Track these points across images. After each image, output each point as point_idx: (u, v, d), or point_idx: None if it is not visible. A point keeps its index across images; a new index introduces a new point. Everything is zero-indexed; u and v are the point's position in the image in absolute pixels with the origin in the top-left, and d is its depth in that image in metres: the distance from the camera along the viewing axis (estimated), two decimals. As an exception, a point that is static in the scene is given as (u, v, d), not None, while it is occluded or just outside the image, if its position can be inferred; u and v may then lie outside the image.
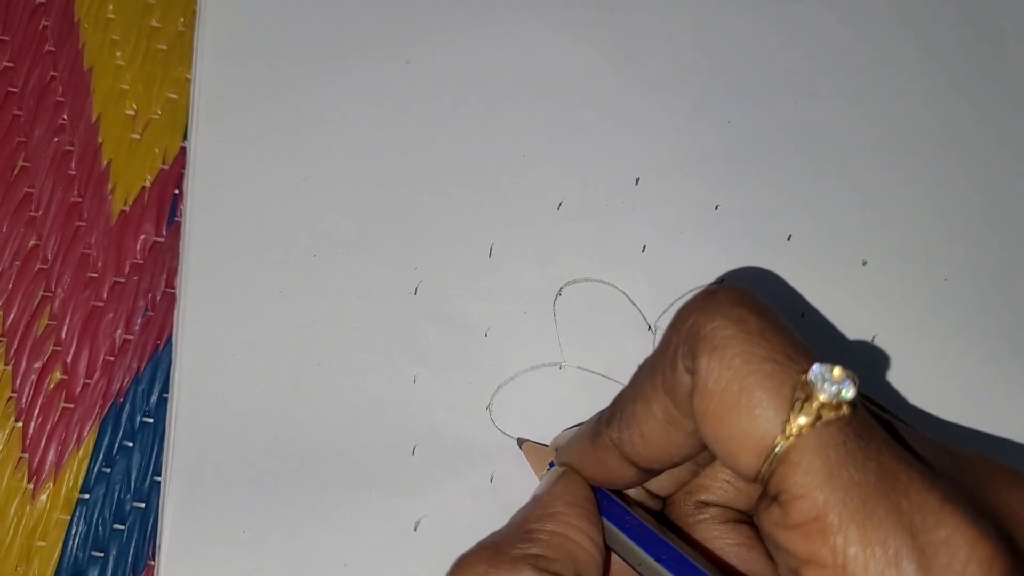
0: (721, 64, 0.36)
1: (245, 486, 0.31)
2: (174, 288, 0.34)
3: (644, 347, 0.33)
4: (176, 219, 0.35)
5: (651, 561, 0.25)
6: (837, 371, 0.21)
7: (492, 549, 0.25)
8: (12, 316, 0.34)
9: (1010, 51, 0.38)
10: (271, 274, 0.33)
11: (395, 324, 0.33)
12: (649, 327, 0.33)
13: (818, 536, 0.20)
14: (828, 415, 0.20)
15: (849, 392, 0.21)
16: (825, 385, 0.21)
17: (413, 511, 0.31)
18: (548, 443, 0.32)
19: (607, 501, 0.27)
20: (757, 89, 0.36)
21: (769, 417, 0.21)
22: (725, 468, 0.27)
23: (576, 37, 0.36)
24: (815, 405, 0.20)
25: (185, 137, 0.35)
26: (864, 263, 0.35)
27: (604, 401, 0.32)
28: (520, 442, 0.32)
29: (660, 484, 0.28)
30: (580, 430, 0.28)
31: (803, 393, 0.21)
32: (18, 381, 0.33)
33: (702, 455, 0.26)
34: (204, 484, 0.31)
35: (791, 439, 0.21)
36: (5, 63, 0.36)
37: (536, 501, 0.27)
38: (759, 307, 0.23)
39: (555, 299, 0.33)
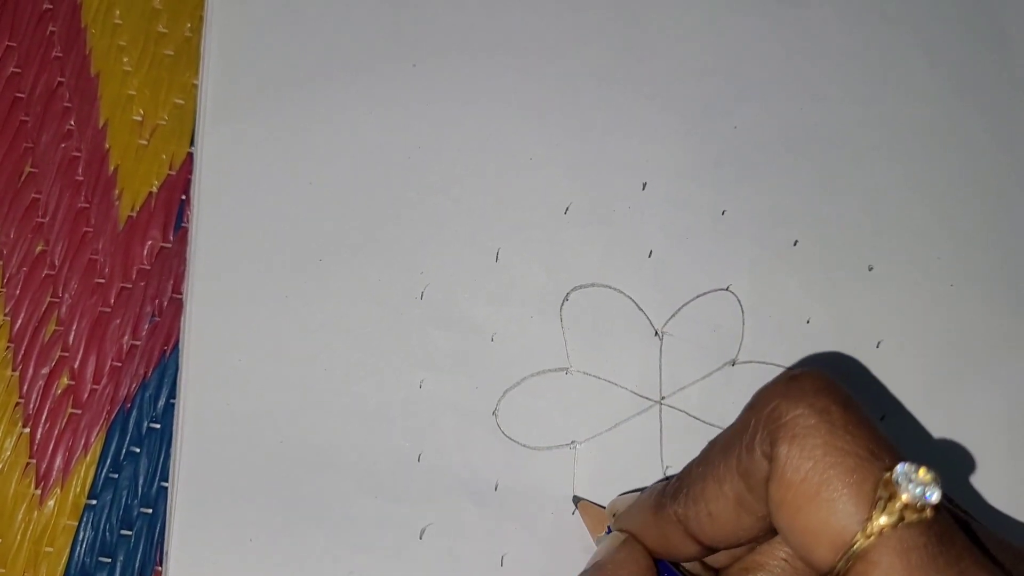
0: (728, 68, 0.36)
1: (252, 492, 0.31)
2: (181, 294, 0.34)
3: (651, 352, 0.33)
4: (183, 225, 0.35)
5: None
6: (923, 472, 0.20)
7: None
8: (19, 322, 0.34)
9: (1018, 56, 0.38)
10: (277, 279, 0.33)
11: (401, 328, 0.33)
12: (656, 332, 0.33)
13: None
14: (911, 516, 0.20)
15: (934, 495, 0.20)
16: (910, 486, 0.20)
17: (418, 519, 0.31)
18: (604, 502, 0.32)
19: (665, 571, 0.27)
20: (764, 94, 0.36)
21: (849, 512, 0.21)
22: (782, 547, 0.27)
23: (584, 40, 0.36)
24: (898, 505, 0.20)
25: (192, 143, 0.35)
26: (870, 268, 0.35)
27: (610, 408, 0.33)
28: (576, 500, 0.32)
29: (715, 558, 0.28)
30: (641, 498, 0.28)
31: (886, 492, 0.20)
32: (25, 387, 0.33)
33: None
34: (211, 490, 0.31)
35: (872, 538, 0.20)
36: (12, 69, 0.36)
37: (600, 570, 0.27)
38: (843, 398, 0.22)
39: (562, 304, 0.33)
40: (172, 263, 0.35)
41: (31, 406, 0.33)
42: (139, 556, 0.32)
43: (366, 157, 0.34)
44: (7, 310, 0.34)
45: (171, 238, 0.35)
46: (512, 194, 0.34)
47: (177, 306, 0.34)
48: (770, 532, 0.24)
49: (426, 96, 0.35)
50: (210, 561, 0.31)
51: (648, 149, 0.35)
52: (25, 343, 0.33)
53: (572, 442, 0.32)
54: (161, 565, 0.32)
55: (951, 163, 0.36)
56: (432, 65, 0.35)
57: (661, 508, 0.26)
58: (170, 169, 0.36)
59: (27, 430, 0.33)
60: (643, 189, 0.35)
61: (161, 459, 0.33)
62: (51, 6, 0.36)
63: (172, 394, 0.33)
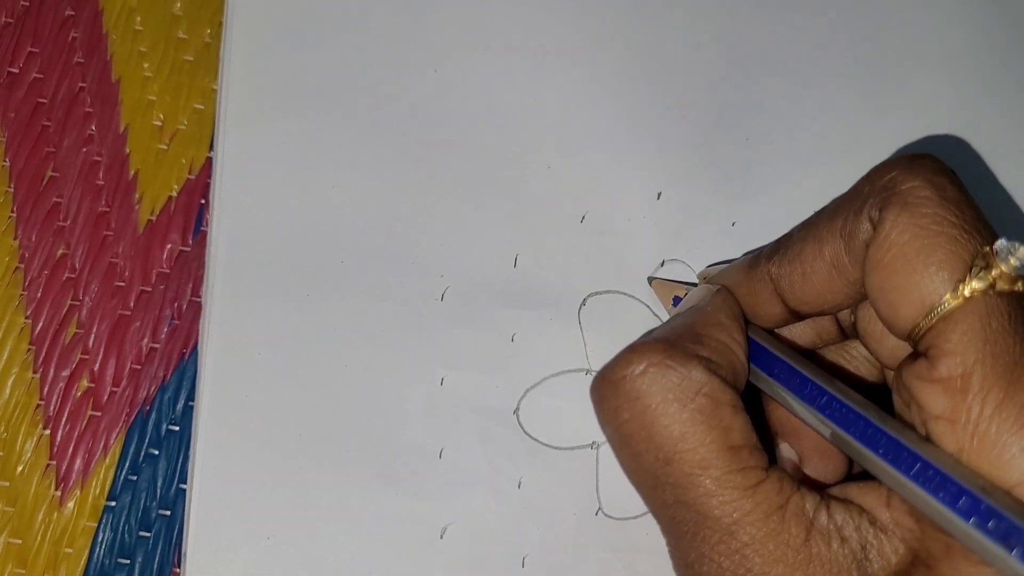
0: (742, 77, 0.37)
1: (270, 493, 0.31)
2: (200, 297, 0.34)
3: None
4: (202, 229, 0.35)
5: (766, 377, 0.26)
6: (1023, 248, 0.22)
7: (667, 342, 0.25)
8: (40, 325, 0.34)
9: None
10: (297, 281, 0.33)
11: (422, 328, 0.33)
12: (672, 337, 0.34)
13: (958, 393, 0.21)
14: (1002, 286, 0.21)
15: None
16: (1009, 257, 0.21)
17: (439, 517, 0.32)
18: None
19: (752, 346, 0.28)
20: (776, 104, 0.36)
21: (943, 277, 0.22)
22: (857, 345, 0.28)
23: (602, 49, 0.36)
24: (993, 274, 0.21)
25: (211, 147, 0.36)
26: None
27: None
28: (650, 280, 0.33)
29: (799, 333, 0.29)
30: (736, 261, 0.29)
31: (983, 262, 0.22)
32: (46, 389, 0.33)
33: (829, 333, 0.28)
34: (229, 491, 0.31)
35: (960, 300, 0.21)
36: (35, 74, 0.36)
37: (699, 311, 0.27)
38: (958, 182, 0.24)
39: (579, 308, 0.34)
40: (191, 266, 0.35)
41: (51, 408, 0.33)
42: (157, 557, 0.33)
43: (386, 160, 0.34)
44: (28, 313, 0.34)
45: (190, 242, 0.35)
46: (530, 201, 0.34)
47: (196, 309, 0.34)
48: (854, 302, 0.25)
49: (447, 101, 0.35)
50: (228, 562, 0.31)
51: (663, 159, 0.35)
52: (46, 346, 0.34)
53: (593, 443, 0.33)
54: (179, 566, 0.32)
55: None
56: (453, 71, 0.35)
57: (755, 266, 0.27)
58: (190, 173, 0.36)
59: (47, 432, 0.33)
60: (658, 199, 0.35)
61: (180, 461, 0.33)
62: (73, 12, 0.37)
63: (191, 396, 0.34)
